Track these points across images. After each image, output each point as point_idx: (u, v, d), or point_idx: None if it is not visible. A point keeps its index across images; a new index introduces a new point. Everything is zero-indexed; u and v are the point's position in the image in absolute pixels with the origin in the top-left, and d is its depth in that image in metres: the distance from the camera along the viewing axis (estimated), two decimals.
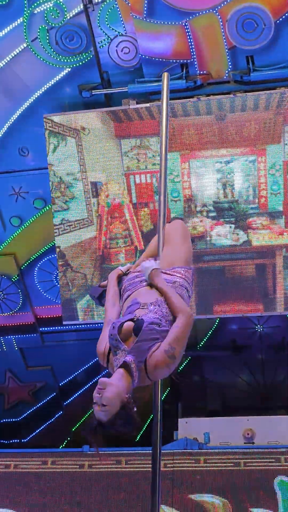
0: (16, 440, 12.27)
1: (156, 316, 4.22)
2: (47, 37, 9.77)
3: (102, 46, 9.81)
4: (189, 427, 10.33)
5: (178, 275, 4.55)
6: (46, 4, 9.63)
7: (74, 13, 9.69)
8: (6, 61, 10.02)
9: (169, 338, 4.13)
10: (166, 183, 4.97)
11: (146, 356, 4.11)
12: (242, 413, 10.81)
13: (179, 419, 10.57)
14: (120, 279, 4.74)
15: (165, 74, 5.19)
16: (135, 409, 4.07)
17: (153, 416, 4.53)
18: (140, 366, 4.10)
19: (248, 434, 10.17)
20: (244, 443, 10.11)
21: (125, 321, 4.24)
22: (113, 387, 4.03)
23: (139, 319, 4.21)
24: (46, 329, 11.57)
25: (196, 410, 11.43)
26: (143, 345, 4.12)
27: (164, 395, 11.54)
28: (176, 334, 4.14)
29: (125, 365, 4.11)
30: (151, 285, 4.44)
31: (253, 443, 10.10)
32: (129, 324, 4.23)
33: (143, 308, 4.29)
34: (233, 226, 9.96)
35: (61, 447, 10.76)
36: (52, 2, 9.62)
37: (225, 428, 10.29)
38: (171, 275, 4.54)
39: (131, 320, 4.24)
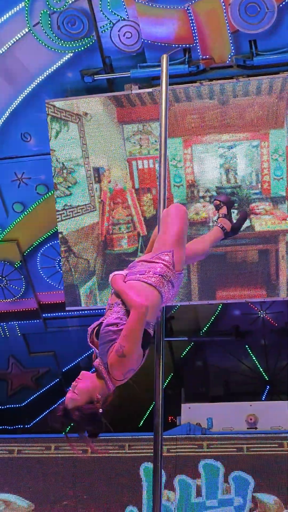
0: (19, 426, 12.32)
1: (118, 315, 4.24)
2: (49, 22, 9.72)
3: (104, 31, 9.75)
4: (192, 413, 10.36)
5: (158, 261, 4.47)
6: None
7: None
8: (8, 46, 9.98)
9: (120, 337, 4.14)
10: (166, 167, 4.93)
11: (107, 358, 4.17)
12: (245, 398, 10.83)
13: (182, 405, 10.60)
14: None
15: (164, 56, 5.12)
16: (101, 413, 4.13)
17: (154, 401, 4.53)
18: (106, 368, 4.16)
19: (251, 419, 10.19)
20: (247, 428, 10.13)
21: (96, 326, 4.33)
22: (87, 381, 4.14)
23: (102, 322, 4.29)
24: (49, 315, 11.59)
25: (199, 396, 11.46)
26: (104, 348, 4.18)
27: (167, 381, 11.57)
28: (124, 331, 4.14)
29: (95, 369, 4.21)
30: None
31: (256, 428, 10.12)
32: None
33: (110, 309, 4.32)
34: (235, 211, 9.92)
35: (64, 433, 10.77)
36: None
37: (228, 414, 10.31)
38: (150, 262, 4.49)
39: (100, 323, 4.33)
